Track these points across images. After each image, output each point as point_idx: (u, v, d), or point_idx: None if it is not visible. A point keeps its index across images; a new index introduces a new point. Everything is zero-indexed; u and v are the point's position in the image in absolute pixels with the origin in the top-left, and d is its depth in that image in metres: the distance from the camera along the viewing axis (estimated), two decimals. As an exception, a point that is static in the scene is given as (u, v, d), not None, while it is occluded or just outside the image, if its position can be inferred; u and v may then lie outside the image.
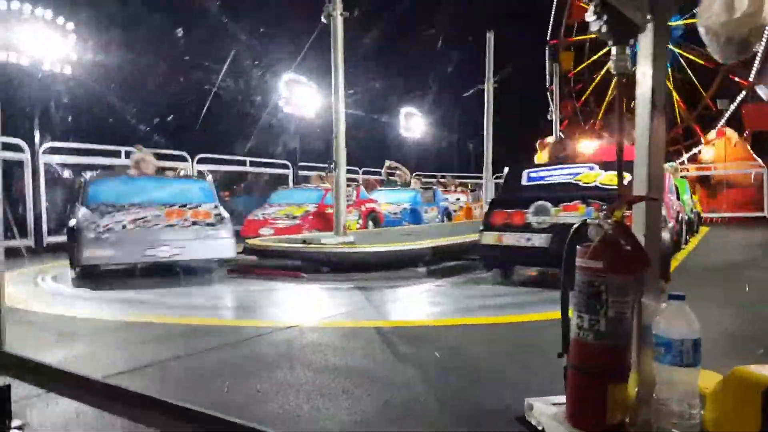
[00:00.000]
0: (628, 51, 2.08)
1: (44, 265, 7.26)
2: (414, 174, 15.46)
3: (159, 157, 11.04)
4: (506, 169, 6.27)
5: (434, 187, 14.97)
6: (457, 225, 12.68)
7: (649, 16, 1.94)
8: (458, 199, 16.10)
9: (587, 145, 28.35)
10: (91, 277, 5.89)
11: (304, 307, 4.73)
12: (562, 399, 2.13)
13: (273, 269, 6.29)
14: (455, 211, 15.09)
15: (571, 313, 1.99)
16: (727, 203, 18.12)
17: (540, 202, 5.11)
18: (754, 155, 20.46)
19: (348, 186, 11.31)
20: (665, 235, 4.79)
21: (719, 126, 26.46)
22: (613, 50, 2.09)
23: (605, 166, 5.24)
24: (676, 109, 31.56)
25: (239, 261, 6.60)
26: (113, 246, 5.59)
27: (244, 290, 5.58)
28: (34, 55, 9.40)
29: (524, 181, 5.60)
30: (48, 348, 3.23)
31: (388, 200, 12.52)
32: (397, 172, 14.48)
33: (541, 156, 27.89)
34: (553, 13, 33.23)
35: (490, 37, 12.06)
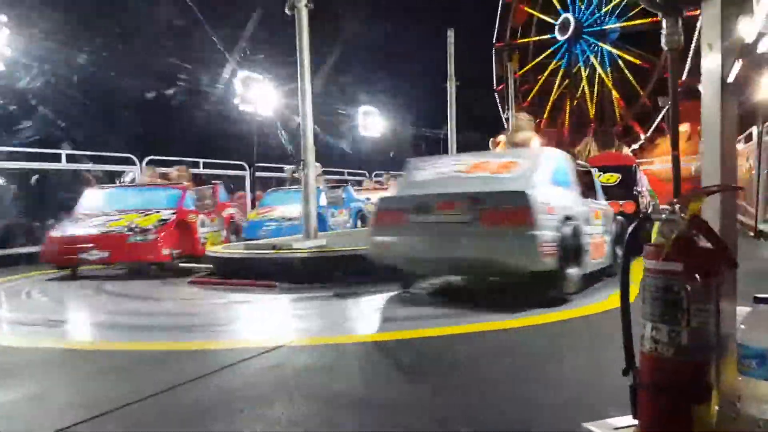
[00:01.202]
0: (680, 24, 1.87)
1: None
2: (322, 170, 12.30)
3: (104, 160, 10.30)
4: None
5: (345, 184, 12.41)
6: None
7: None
8: None
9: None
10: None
11: (285, 323, 4.32)
12: (623, 421, 1.88)
13: (241, 279, 5.82)
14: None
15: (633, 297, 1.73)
16: (671, 196, 18.73)
17: None
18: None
19: (202, 185, 9.32)
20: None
21: (657, 122, 27.70)
22: (664, 23, 1.86)
23: (603, 169, 6.46)
24: (616, 108, 32.89)
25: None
26: None
27: (211, 305, 5.10)
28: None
29: None
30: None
31: (280, 203, 10.30)
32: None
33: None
34: (498, 17, 33.98)
35: (450, 35, 11.93)
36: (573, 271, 4.50)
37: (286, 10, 6.96)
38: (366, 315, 4.28)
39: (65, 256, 6.81)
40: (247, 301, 5.12)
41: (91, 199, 7.98)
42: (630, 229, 1.84)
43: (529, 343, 3.29)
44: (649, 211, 8.38)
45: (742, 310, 1.72)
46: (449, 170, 5.03)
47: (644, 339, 1.70)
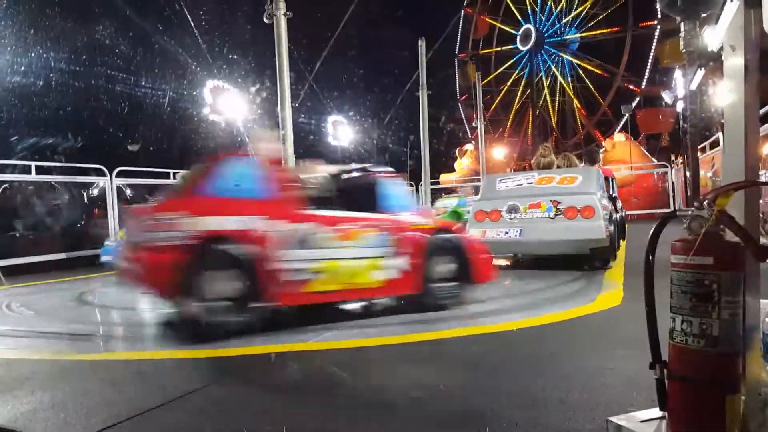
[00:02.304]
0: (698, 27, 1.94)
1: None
2: None
3: (72, 171, 9.94)
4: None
5: None
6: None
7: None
8: None
9: (499, 152, 29.54)
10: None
11: (290, 327, 4.23)
12: (649, 414, 1.92)
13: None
14: None
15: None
16: (635, 201, 19.32)
17: None
18: (648, 156, 22.09)
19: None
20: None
21: (617, 130, 28.70)
22: (683, 26, 1.93)
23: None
24: (577, 116, 33.89)
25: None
26: None
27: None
28: None
29: None
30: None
31: None
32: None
33: (462, 163, 28.72)
34: (460, 28, 34.64)
35: (421, 44, 12.05)
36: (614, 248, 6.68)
37: (265, 19, 6.94)
38: (371, 319, 4.25)
39: None
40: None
41: None
42: (654, 227, 1.88)
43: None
44: (624, 213, 9.01)
45: (765, 303, 1.78)
46: (525, 183, 7.09)
47: (674, 332, 1.74)
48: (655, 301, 1.85)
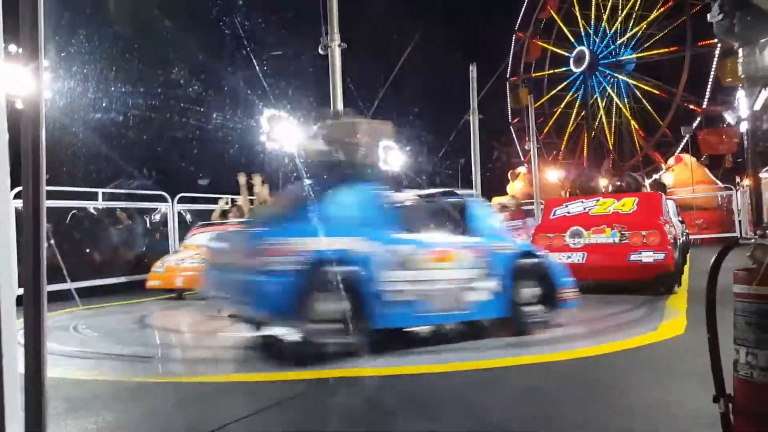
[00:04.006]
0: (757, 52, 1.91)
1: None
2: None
3: (136, 197, 10.46)
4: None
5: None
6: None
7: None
8: None
9: (552, 175, 28.87)
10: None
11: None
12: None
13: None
14: None
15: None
16: (696, 225, 18.37)
17: None
18: (713, 178, 20.99)
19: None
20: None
21: (678, 152, 27.53)
22: (741, 52, 1.90)
23: None
24: (635, 138, 32.76)
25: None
26: None
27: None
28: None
29: None
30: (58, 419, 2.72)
31: None
32: None
33: (514, 186, 28.28)
34: (511, 52, 34.40)
35: (472, 69, 12.11)
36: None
37: (319, 50, 7.19)
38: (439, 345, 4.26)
39: None
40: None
41: None
42: (715, 255, 1.84)
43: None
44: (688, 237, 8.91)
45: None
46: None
47: (738, 364, 1.69)
48: (718, 332, 1.79)
